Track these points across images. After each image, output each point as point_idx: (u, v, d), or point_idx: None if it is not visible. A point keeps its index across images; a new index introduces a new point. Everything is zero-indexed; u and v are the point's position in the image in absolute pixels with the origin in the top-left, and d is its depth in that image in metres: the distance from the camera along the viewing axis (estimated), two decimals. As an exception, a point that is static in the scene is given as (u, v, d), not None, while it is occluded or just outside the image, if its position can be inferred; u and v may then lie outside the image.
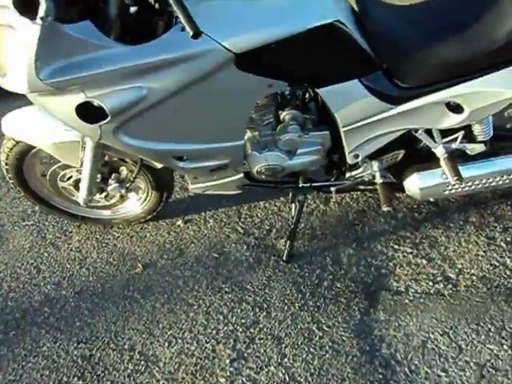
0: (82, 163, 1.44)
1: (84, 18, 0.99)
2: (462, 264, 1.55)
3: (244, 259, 1.66)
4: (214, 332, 1.44)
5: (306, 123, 1.39)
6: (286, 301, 1.50)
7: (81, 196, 1.56)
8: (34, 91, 1.02)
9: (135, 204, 1.79)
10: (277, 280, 1.57)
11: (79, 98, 1.06)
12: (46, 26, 0.92)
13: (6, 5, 0.91)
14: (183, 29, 1.01)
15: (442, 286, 1.49)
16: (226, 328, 1.45)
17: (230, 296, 1.54)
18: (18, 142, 1.47)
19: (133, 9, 0.97)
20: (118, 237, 1.82)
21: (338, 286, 1.53)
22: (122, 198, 1.72)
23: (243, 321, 1.46)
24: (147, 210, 1.77)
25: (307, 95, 1.38)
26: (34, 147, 1.49)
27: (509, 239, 1.60)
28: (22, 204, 2.01)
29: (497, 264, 1.53)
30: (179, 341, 1.43)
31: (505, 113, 1.49)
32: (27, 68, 0.97)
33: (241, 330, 1.44)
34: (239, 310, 1.49)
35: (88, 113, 1.09)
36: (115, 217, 1.84)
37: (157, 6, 1.04)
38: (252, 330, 1.43)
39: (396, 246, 1.64)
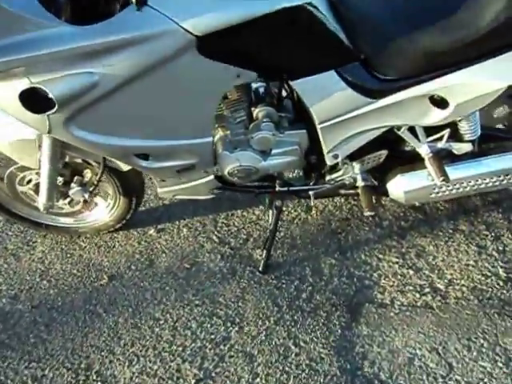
0: (39, 162, 1.33)
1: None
2: (451, 274, 1.44)
3: (217, 270, 1.54)
4: (180, 349, 1.31)
5: (281, 121, 1.29)
6: (261, 315, 1.38)
7: (40, 201, 1.43)
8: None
9: (103, 211, 1.67)
10: (251, 292, 1.45)
11: (23, 83, 0.96)
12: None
13: None
14: (139, 8, 0.93)
15: (430, 297, 1.38)
16: (193, 345, 1.31)
17: (200, 309, 1.41)
18: (-29, 141, 1.35)
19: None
20: (85, 247, 1.70)
21: (318, 298, 1.41)
22: (87, 204, 1.60)
23: (213, 336, 1.33)
24: (116, 217, 1.65)
25: (282, 92, 1.29)
26: (-12, 147, 1.37)
27: (501, 248, 1.49)
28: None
29: (489, 274, 1.42)
30: (141, 359, 1.30)
31: (493, 112, 1.42)
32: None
33: (210, 346, 1.31)
34: (209, 325, 1.36)
35: (34, 101, 0.99)
36: (82, 225, 1.72)
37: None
38: (222, 347, 1.30)
39: (381, 256, 1.53)
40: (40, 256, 1.69)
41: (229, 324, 1.36)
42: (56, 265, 1.64)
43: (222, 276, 1.51)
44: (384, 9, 1.13)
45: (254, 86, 1.26)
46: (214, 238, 1.67)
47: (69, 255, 1.67)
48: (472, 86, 1.11)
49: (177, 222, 1.75)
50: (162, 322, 1.39)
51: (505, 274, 1.41)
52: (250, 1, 0.97)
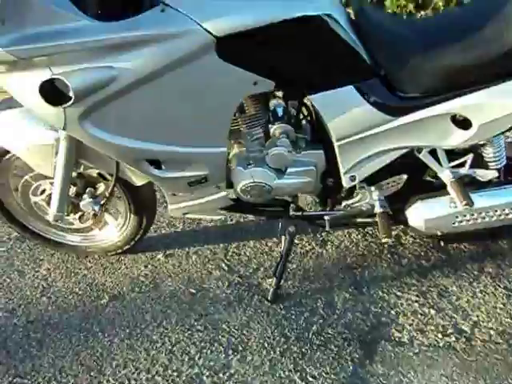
0: (54, 169, 1.33)
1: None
2: (477, 316, 1.31)
3: (224, 297, 1.45)
4: (175, 374, 1.20)
5: (298, 141, 1.27)
6: (266, 344, 1.27)
7: (51, 211, 1.42)
8: (-7, 60, 0.94)
9: (113, 230, 1.64)
10: (258, 321, 1.34)
11: (44, 74, 0.98)
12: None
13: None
14: (163, 10, 0.96)
15: (453, 339, 1.25)
16: (190, 370, 1.20)
17: (200, 335, 1.31)
18: (-9, 145, 1.38)
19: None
20: (91, 267, 1.65)
21: (329, 331, 1.30)
22: (98, 220, 1.57)
23: (212, 363, 1.22)
24: (125, 237, 1.62)
25: (301, 112, 1.28)
26: (8, 152, 1.39)
27: (532, 292, 1.37)
28: (-1, 230, 1.88)
29: (520, 318, 1.29)
30: (132, 382, 1.19)
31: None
32: (-12, 32, 0.90)
33: (207, 373, 1.19)
34: (209, 351, 1.26)
35: (52, 94, 1.00)
36: (91, 244, 1.68)
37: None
38: (220, 375, 1.18)
39: (399, 294, 1.42)
40: (44, 273, 1.64)
41: (230, 352, 1.25)
42: (58, 282, 1.59)
43: (227, 303, 1.42)
44: (404, 25, 1.14)
45: (272, 103, 1.26)
46: (223, 265, 1.60)
47: (73, 274, 1.62)
48: (496, 106, 1.08)
49: (186, 249, 1.70)
50: (159, 345, 1.29)
51: (538, 320, 1.28)
52: (268, 5, 0.99)
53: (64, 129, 1.08)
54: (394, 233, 1.67)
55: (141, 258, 1.67)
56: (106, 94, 1.01)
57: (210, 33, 0.96)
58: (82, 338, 1.34)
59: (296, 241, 1.67)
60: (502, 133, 1.15)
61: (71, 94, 0.98)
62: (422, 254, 1.57)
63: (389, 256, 1.58)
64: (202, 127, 1.13)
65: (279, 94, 1.27)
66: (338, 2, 1.10)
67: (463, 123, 1.12)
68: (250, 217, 1.85)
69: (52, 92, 1.00)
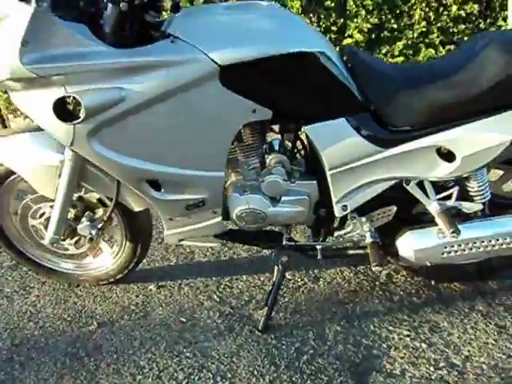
0: (56, 191, 1.37)
1: (80, 21, 1.05)
2: (468, 351, 1.30)
3: (214, 326, 1.44)
4: (162, 399, 1.16)
5: (292, 171, 1.34)
6: (256, 372, 1.24)
7: (48, 233, 1.45)
8: (14, 77, 1.02)
9: (107, 258, 1.65)
10: (248, 349, 1.33)
11: (59, 92, 1.06)
12: (39, 12, 0.97)
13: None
14: (173, 41, 1.06)
15: (445, 372, 1.23)
16: (176, 396, 1.17)
17: (189, 361, 1.29)
18: (-1, 166, 1.43)
19: (123, 5, 1.01)
20: (81, 295, 1.64)
21: (320, 361, 1.28)
22: (93, 246, 1.59)
23: (199, 389, 1.19)
24: (119, 266, 1.63)
25: (296, 144, 1.36)
26: (14, 174, 1.44)
27: (523, 330, 1.37)
28: (-10, 259, 1.89)
29: (511, 354, 1.28)
30: (116, 406, 1.15)
31: (503, 185, 1.45)
32: (12, 51, 0.99)
33: (194, 399, 1.16)
34: (197, 377, 1.23)
35: (64, 111, 1.08)
36: (84, 273, 1.68)
37: (149, 18, 1.09)
38: (208, 401, 1.15)
39: (391, 328, 1.41)
40: (33, 300, 1.63)
41: (219, 378, 1.22)
42: (47, 309, 1.57)
43: (218, 332, 1.41)
44: (391, 67, 1.25)
45: (269, 135, 1.34)
46: (215, 297, 1.60)
47: (63, 301, 1.61)
48: (477, 139, 1.16)
49: (179, 281, 1.70)
50: (146, 371, 1.26)
51: (530, 355, 1.27)
52: (268, 40, 1.09)
53: (71, 145, 1.14)
54: (385, 272, 1.70)
55: (132, 288, 1.67)
56: (115, 114, 1.08)
57: (215, 62, 1.06)
58: (67, 362, 1.31)
59: (288, 276, 1.68)
60: (484, 166, 1.21)
61: (83, 111, 1.05)
62: (414, 291, 1.58)
63: (380, 293, 1.59)
64: (202, 151, 1.20)
65: (276, 127, 1.35)
66: (331, 44, 1.22)
67: (448, 156, 1.20)
68: (243, 252, 1.87)
69: (64, 109, 1.07)
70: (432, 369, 1.25)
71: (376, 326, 1.42)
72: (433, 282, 1.62)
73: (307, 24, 1.28)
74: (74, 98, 1.06)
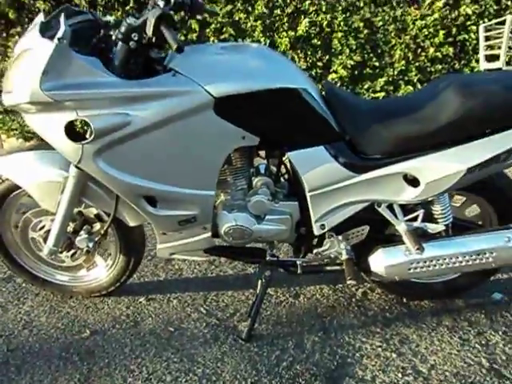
0: (58, 205, 1.49)
1: (95, 55, 1.20)
2: (434, 360, 1.42)
3: (201, 335, 1.54)
4: (150, 399, 1.25)
5: (276, 193, 1.48)
6: (238, 376, 1.34)
7: (47, 245, 1.56)
8: (33, 100, 1.16)
9: (101, 271, 1.75)
10: (232, 356, 1.43)
11: (71, 115, 1.20)
12: (60, 47, 1.12)
13: (33, 29, 1.13)
14: (174, 75, 1.22)
15: (412, 378, 1.35)
16: (164, 396, 1.26)
17: (177, 366, 1.38)
18: (3, 181, 1.54)
19: (132, 44, 1.17)
20: (74, 306, 1.73)
21: (298, 367, 1.39)
22: (89, 259, 1.69)
23: (186, 391, 1.28)
24: (112, 278, 1.73)
25: (280, 168, 1.50)
26: (18, 188, 1.55)
27: (484, 342, 1.50)
28: (-15, 271, 1.97)
29: (472, 363, 1.41)
30: (108, 405, 1.24)
31: (465, 210, 1.61)
32: (34, 78, 1.13)
33: (181, 399, 1.25)
34: (184, 380, 1.32)
35: (74, 133, 1.21)
36: (77, 284, 1.78)
37: (153, 54, 1.25)
38: (194, 401, 1.24)
39: (364, 339, 1.53)
40: (27, 310, 1.71)
41: (204, 381, 1.32)
42: (41, 318, 1.65)
43: (204, 340, 1.51)
44: (365, 102, 1.42)
45: (256, 160, 1.49)
46: (202, 309, 1.70)
47: (56, 311, 1.69)
48: (438, 168, 1.32)
49: (168, 295, 1.81)
50: (136, 373, 1.35)
51: (488, 364, 1.40)
52: (257, 76, 1.25)
53: (79, 163, 1.26)
54: (361, 290, 1.83)
55: (123, 301, 1.76)
56: (120, 136, 1.22)
57: (210, 94, 1.21)
58: (61, 365, 1.39)
59: (271, 292, 1.80)
60: (446, 192, 1.37)
61: (92, 133, 1.19)
62: (387, 307, 1.71)
63: (356, 308, 1.71)
64: (196, 171, 1.33)
65: (262, 153, 1.50)
66: (312, 81, 1.39)
67: (413, 182, 1.35)
68: (229, 270, 1.99)
69: (74, 131, 1.21)
70: (400, 375, 1.36)
71: (351, 338, 1.54)
72: (404, 300, 1.75)
73: (292, 63, 1.45)
74: (84, 121, 1.19)
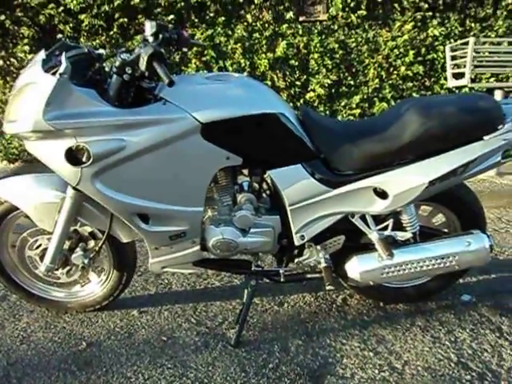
0: (55, 225, 1.59)
1: (91, 87, 1.32)
2: (407, 357, 1.56)
3: (192, 343, 1.64)
4: (147, 402, 1.35)
5: (259, 208, 1.61)
6: (229, 378, 1.45)
7: (44, 263, 1.64)
8: (37, 129, 1.27)
9: (95, 286, 1.84)
10: (222, 360, 1.53)
11: (70, 142, 1.31)
12: (61, 81, 1.24)
13: (36, 64, 1.25)
14: (164, 103, 1.35)
15: (387, 373, 1.48)
16: (160, 399, 1.36)
17: (171, 371, 1.48)
18: (2, 203, 1.64)
19: (126, 76, 1.30)
20: (69, 321, 1.81)
21: (283, 368, 1.50)
22: (83, 274, 1.78)
23: (180, 393, 1.38)
24: (105, 293, 1.82)
25: (262, 185, 1.64)
26: (16, 210, 1.65)
27: (453, 339, 1.65)
28: (-21, 291, 2.04)
29: (441, 358, 1.55)
30: (107, 409, 1.32)
31: (432, 219, 1.77)
32: (37, 110, 1.25)
33: (176, 401, 1.35)
34: (178, 384, 1.42)
35: (73, 157, 1.33)
36: (72, 300, 1.86)
37: (145, 84, 1.38)
38: (188, 402, 1.34)
39: (344, 341, 1.66)
40: (24, 326, 1.78)
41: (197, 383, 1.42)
42: (38, 333, 1.73)
43: (195, 347, 1.61)
44: (337, 124, 1.58)
45: (239, 178, 1.62)
46: (192, 320, 1.80)
47: (52, 326, 1.77)
48: (403, 181, 1.47)
49: (159, 307, 1.90)
50: (132, 380, 1.44)
51: (456, 358, 1.54)
52: (239, 103, 1.39)
53: (77, 184, 1.38)
54: (341, 296, 1.96)
55: (116, 314, 1.85)
56: (116, 160, 1.34)
57: (197, 119, 1.35)
58: (60, 376, 1.47)
59: (257, 301, 1.92)
60: (412, 203, 1.52)
61: (90, 157, 1.30)
62: (365, 311, 1.85)
63: (336, 313, 1.84)
64: (185, 190, 1.46)
65: (245, 171, 1.64)
66: (291, 108, 1.54)
67: (382, 194, 1.50)
68: (216, 282, 2.10)
69: (73, 156, 1.32)
70: (377, 371, 1.49)
71: (331, 340, 1.66)
72: (381, 304, 1.89)
73: (270, 90, 1.60)
74: (83, 146, 1.31)
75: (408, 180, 1.47)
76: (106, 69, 1.48)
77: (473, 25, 4.18)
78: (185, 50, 1.55)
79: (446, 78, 4.12)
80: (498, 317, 1.77)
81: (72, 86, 1.28)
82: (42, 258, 1.71)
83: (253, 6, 3.93)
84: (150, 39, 1.36)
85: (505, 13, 4.13)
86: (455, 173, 1.46)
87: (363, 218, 1.58)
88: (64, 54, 1.25)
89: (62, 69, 1.22)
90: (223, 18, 3.82)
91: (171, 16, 3.70)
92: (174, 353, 1.58)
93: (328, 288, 1.54)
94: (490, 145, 1.45)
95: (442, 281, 1.83)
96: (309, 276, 1.70)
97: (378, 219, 1.60)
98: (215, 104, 1.37)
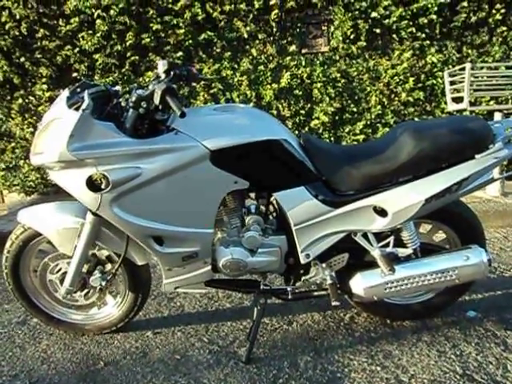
0: (75, 249, 1.69)
1: (110, 120, 1.46)
2: (414, 370, 1.60)
3: (205, 360, 1.70)
4: (163, 416, 1.40)
5: (266, 229, 1.71)
6: (240, 392, 1.51)
7: (64, 285, 1.75)
8: (61, 160, 1.40)
9: (111, 309, 1.92)
10: (233, 376, 1.59)
11: (91, 170, 1.44)
12: (83, 116, 1.38)
13: (61, 102, 1.39)
14: (176, 133, 1.48)
15: (394, 386, 1.52)
16: (175, 413, 1.41)
17: (184, 387, 1.55)
18: (26, 230, 1.75)
19: (141, 110, 1.44)
20: (87, 342, 1.89)
21: (293, 383, 1.55)
22: (101, 297, 1.87)
23: (194, 407, 1.44)
24: (121, 314, 1.90)
25: (268, 207, 1.73)
26: (38, 236, 1.76)
27: (458, 353, 1.69)
28: (0, 317, 2.14)
29: (447, 371, 1.59)
30: (125, 423, 1.38)
31: (432, 235, 1.84)
32: (62, 142, 1.38)
33: (190, 414, 1.41)
34: (192, 399, 1.48)
35: (93, 185, 1.45)
36: (89, 322, 1.94)
37: (158, 116, 1.52)
38: (202, 416, 1.40)
39: (352, 357, 1.71)
40: (44, 348, 1.86)
41: (210, 399, 1.48)
42: (57, 354, 1.81)
43: (208, 365, 1.67)
44: (337, 149, 1.68)
45: (247, 201, 1.72)
46: (205, 339, 1.87)
47: (71, 348, 1.85)
48: (401, 199, 1.56)
49: (172, 328, 1.98)
50: (148, 395, 1.51)
51: (462, 371, 1.58)
52: (245, 131, 1.51)
53: (97, 210, 1.49)
54: (348, 315, 2.02)
55: (131, 336, 1.93)
56: (132, 186, 1.46)
57: (207, 147, 1.47)
58: (80, 393, 1.55)
59: (266, 321, 1.98)
60: (411, 220, 1.60)
61: (109, 184, 1.42)
62: (372, 328, 1.90)
63: (344, 331, 1.89)
64: (196, 213, 1.56)
65: (252, 194, 1.74)
66: (292, 132, 1.66)
67: (382, 212, 1.59)
68: (227, 304, 2.17)
69: (94, 183, 1.44)
70: (384, 384, 1.54)
71: (339, 356, 1.71)
72: (388, 321, 1.94)
73: (273, 118, 1.72)
74: (102, 174, 1.43)
75: (405, 198, 1.55)
76: (122, 104, 1.61)
77: (470, 51, 4.33)
78: (194, 84, 1.69)
79: (446, 103, 4.24)
80: (503, 331, 1.81)
81: (93, 120, 1.41)
82: (61, 281, 1.81)
83: (257, 41, 4.13)
84: (163, 76, 1.50)
85: (500, 39, 4.28)
86: (450, 190, 1.55)
87: (365, 235, 1.66)
88: (86, 91, 1.39)
89: (84, 105, 1.36)
90: (229, 53, 4.03)
91: (180, 53, 3.91)
92: (188, 370, 1.65)
93: (334, 304, 1.61)
94: (481, 163, 1.54)
95: (447, 297, 1.89)
96: (315, 293, 1.77)
97: (380, 237, 1.68)
98: (223, 132, 1.50)
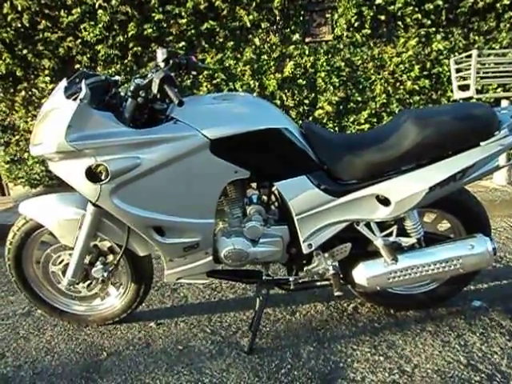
0: (76, 240, 1.69)
1: (108, 110, 1.44)
2: (417, 360, 1.59)
3: (207, 351, 1.70)
4: (165, 406, 1.41)
5: (268, 219, 1.69)
6: (243, 382, 1.50)
7: (67, 277, 1.75)
8: (60, 150, 1.39)
9: (114, 300, 1.92)
10: (236, 366, 1.59)
11: (90, 161, 1.42)
12: (81, 106, 1.36)
13: (58, 92, 1.37)
14: (175, 122, 1.46)
15: (397, 376, 1.51)
16: (177, 403, 1.42)
17: (187, 377, 1.54)
18: (27, 221, 1.75)
19: (140, 99, 1.42)
20: (90, 333, 1.89)
21: (295, 373, 1.55)
22: (103, 288, 1.88)
23: (196, 397, 1.44)
24: (124, 305, 1.90)
25: (270, 197, 1.72)
26: (40, 227, 1.76)
27: (462, 343, 1.67)
28: (5, 308, 2.15)
29: (451, 361, 1.57)
30: (127, 413, 1.39)
31: (437, 225, 1.81)
32: (60, 132, 1.37)
33: (192, 404, 1.41)
34: (194, 389, 1.48)
35: (93, 175, 1.44)
36: (92, 313, 1.94)
37: (157, 106, 1.50)
38: (204, 406, 1.40)
39: (355, 347, 1.70)
40: (48, 339, 1.87)
41: (212, 388, 1.48)
42: (61, 345, 1.82)
43: (210, 355, 1.67)
44: (339, 137, 1.66)
45: (248, 191, 1.70)
46: (207, 330, 1.87)
47: (74, 339, 1.86)
48: (404, 188, 1.53)
49: (175, 319, 1.98)
50: (151, 385, 1.51)
51: (466, 361, 1.56)
52: (245, 120, 1.49)
53: (97, 200, 1.48)
54: (352, 305, 2.00)
55: (135, 326, 1.93)
56: (132, 176, 1.45)
57: (206, 136, 1.45)
58: (83, 383, 1.55)
59: (269, 311, 1.97)
60: (414, 208, 1.58)
61: (109, 175, 1.41)
62: (375, 318, 1.88)
63: (347, 321, 1.88)
64: (197, 203, 1.55)
65: (253, 184, 1.72)
66: (292, 121, 1.63)
67: (385, 201, 1.57)
68: (230, 295, 2.17)
69: (93, 174, 1.43)
70: (387, 374, 1.52)
71: (342, 346, 1.70)
72: (392, 311, 1.92)
73: (274, 106, 1.69)
74: (102, 165, 1.42)
75: (409, 187, 1.53)
76: (122, 93, 1.59)
77: (476, 38, 4.25)
78: (194, 73, 1.66)
79: (452, 91, 4.17)
80: (509, 321, 1.79)
81: (91, 110, 1.40)
82: (64, 272, 1.81)
83: (260, 30, 4.08)
84: (162, 65, 1.48)
85: (508, 25, 4.19)
86: (454, 178, 1.52)
87: (368, 225, 1.64)
88: (84, 81, 1.37)
89: (82, 95, 1.34)
90: (232, 43, 3.98)
91: (182, 43, 3.88)
92: (190, 360, 1.65)
93: (336, 294, 1.59)
94: (486, 150, 1.50)
95: (451, 286, 1.87)
96: (318, 284, 1.75)
97: (383, 226, 1.66)
98: (222, 121, 1.47)
